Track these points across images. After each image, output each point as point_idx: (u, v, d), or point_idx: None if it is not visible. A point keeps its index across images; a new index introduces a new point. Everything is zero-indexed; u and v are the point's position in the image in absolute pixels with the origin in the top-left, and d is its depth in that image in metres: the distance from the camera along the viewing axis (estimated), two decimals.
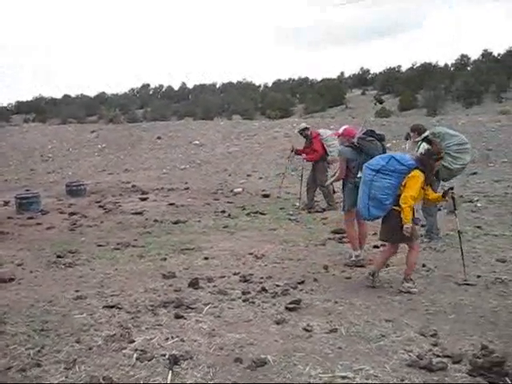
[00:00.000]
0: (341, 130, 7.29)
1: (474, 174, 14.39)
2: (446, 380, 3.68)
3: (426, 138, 7.57)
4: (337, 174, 7.18)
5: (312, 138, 10.91)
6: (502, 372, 3.70)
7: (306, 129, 11.20)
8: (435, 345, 4.24)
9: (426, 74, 68.19)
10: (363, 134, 6.90)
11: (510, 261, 6.62)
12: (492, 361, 3.80)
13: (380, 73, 73.71)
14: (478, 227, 8.42)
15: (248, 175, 16.89)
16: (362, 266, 6.64)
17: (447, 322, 4.76)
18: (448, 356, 4.01)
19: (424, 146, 7.33)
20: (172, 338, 4.48)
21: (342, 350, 4.22)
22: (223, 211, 10.94)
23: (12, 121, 44.80)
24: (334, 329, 4.63)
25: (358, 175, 6.57)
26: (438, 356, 4.03)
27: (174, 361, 3.97)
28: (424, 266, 6.48)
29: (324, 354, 4.13)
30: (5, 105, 54.00)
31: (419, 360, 3.95)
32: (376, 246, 7.48)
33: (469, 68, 70.19)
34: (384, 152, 6.65)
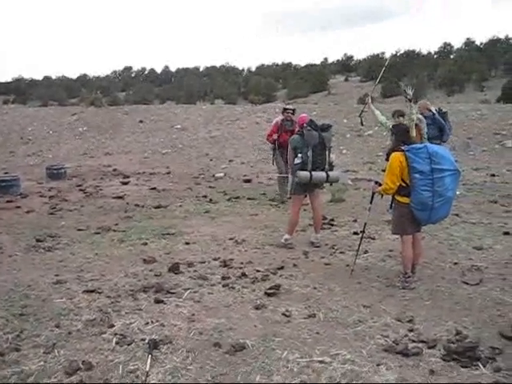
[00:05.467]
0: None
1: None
2: (420, 364, 3.76)
3: None
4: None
5: (295, 122, 10.43)
6: (475, 356, 3.79)
7: (294, 111, 10.44)
8: (411, 330, 4.33)
9: (409, 61, 68.42)
10: (306, 123, 7.00)
11: (486, 248, 6.73)
12: (465, 346, 3.90)
13: (364, 59, 73.53)
14: (456, 215, 8.51)
15: (230, 160, 16.86)
16: (342, 253, 6.71)
17: (423, 308, 4.85)
18: (423, 341, 4.10)
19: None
20: (152, 322, 4.50)
21: (319, 335, 4.29)
22: (205, 196, 10.93)
23: None
24: (312, 314, 4.70)
25: (297, 161, 6.80)
26: (414, 341, 4.12)
27: (154, 345, 4.00)
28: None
29: (302, 339, 4.19)
30: None
31: (395, 345, 4.03)
32: (355, 233, 7.56)
33: (452, 56, 70.43)
34: (321, 142, 6.83)
